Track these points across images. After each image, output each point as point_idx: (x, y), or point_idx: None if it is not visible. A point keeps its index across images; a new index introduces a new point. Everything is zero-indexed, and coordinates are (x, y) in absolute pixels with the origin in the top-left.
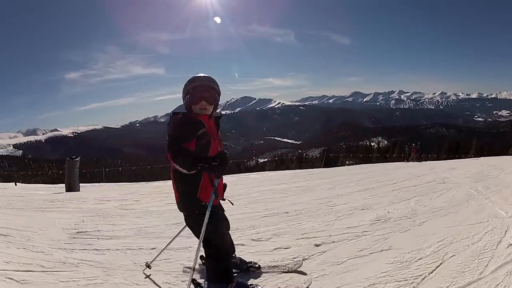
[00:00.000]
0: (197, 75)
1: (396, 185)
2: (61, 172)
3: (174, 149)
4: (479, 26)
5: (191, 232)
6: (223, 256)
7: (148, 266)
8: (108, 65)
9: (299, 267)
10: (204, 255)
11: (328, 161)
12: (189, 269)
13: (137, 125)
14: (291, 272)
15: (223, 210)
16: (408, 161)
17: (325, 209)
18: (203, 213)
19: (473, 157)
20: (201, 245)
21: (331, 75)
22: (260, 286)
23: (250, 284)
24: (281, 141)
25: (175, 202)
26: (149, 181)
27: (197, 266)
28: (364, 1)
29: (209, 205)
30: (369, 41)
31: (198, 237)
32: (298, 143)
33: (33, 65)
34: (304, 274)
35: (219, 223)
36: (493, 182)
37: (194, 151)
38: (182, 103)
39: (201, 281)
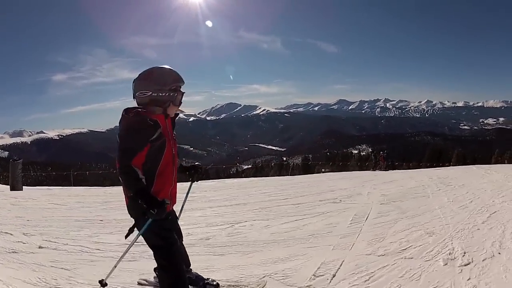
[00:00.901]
0: (174, 71)
1: (286, 201)
2: (5, 173)
3: (123, 166)
4: (466, 35)
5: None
6: (175, 267)
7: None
8: (95, 68)
9: (263, 287)
10: (156, 266)
11: (307, 168)
12: (144, 281)
13: None
14: None
15: (176, 217)
16: (375, 170)
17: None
18: (154, 219)
19: (453, 165)
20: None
21: (317, 83)
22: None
23: (207, 278)
24: (265, 148)
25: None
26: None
27: (152, 279)
28: (351, 10)
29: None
30: (356, 49)
31: (148, 244)
32: (283, 150)
33: (20, 66)
34: None
35: (171, 230)
36: (408, 206)
37: (141, 179)
38: None
39: None
